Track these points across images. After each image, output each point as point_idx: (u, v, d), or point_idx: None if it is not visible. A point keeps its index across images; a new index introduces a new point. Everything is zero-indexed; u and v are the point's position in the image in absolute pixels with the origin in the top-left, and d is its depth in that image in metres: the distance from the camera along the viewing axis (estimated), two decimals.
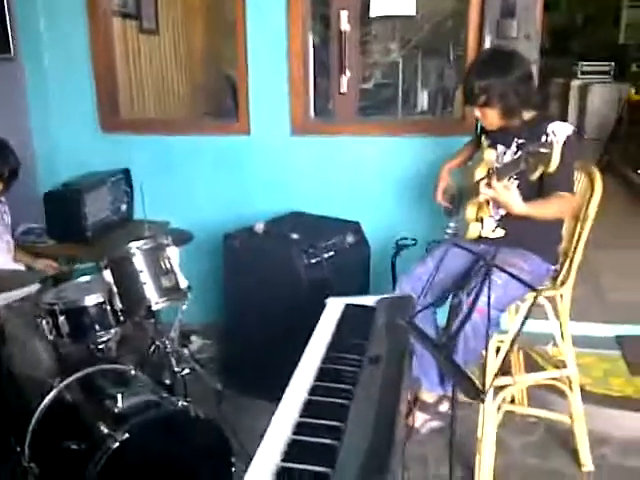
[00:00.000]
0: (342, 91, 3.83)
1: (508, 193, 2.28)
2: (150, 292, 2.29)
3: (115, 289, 2.28)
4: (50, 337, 2.28)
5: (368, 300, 2.09)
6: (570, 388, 2.62)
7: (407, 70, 6.31)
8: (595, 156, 6.58)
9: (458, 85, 4.55)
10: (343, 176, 3.59)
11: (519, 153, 2.33)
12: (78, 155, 3.72)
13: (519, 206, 2.30)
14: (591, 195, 2.51)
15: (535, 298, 1.77)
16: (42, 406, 2.09)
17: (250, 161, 3.65)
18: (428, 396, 2.74)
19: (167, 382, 2.48)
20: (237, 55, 3.52)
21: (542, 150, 2.05)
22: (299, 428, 1.43)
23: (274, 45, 3.46)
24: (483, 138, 2.72)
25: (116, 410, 2.06)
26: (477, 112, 2.52)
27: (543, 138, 2.16)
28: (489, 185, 2.31)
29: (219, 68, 5.17)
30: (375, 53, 6.47)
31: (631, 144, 6.47)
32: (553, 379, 2.68)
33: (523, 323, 1.66)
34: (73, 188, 3.25)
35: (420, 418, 2.76)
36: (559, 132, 2.31)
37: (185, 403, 2.13)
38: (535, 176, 2.15)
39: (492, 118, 2.51)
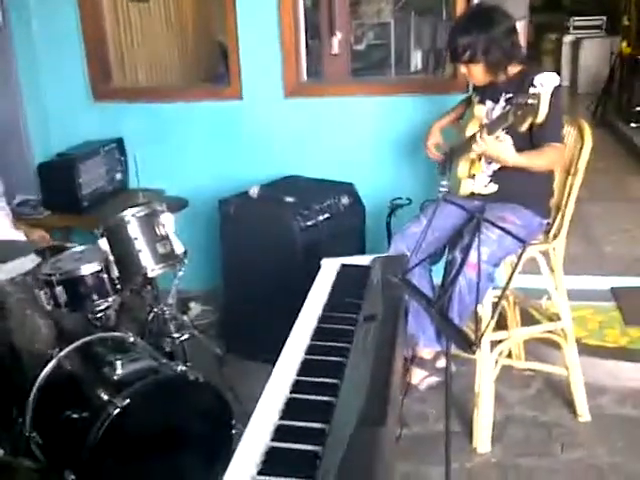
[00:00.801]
0: (334, 52, 3.81)
1: (500, 144, 2.31)
2: (146, 259, 2.30)
3: (111, 257, 2.28)
4: (48, 308, 2.29)
5: (363, 260, 2.10)
6: (566, 340, 2.65)
7: (399, 30, 6.26)
8: (589, 110, 6.55)
9: None
10: (337, 138, 3.58)
11: (507, 107, 2.33)
12: (70, 124, 3.70)
13: (512, 156, 2.32)
14: (581, 148, 2.51)
15: (523, 250, 1.78)
16: (42, 376, 2.10)
17: (243, 126, 3.64)
18: (426, 352, 2.78)
19: (167, 349, 2.51)
20: (227, 19, 3.48)
21: (529, 101, 2.06)
22: (296, 386, 1.45)
23: (264, 7, 3.42)
24: (473, 95, 2.73)
25: (115, 377, 2.07)
26: (463, 69, 2.54)
27: (531, 90, 2.16)
28: (480, 139, 2.32)
29: (210, 34, 5.11)
30: (366, 14, 6.40)
31: (624, 97, 6.43)
32: (549, 332, 2.71)
33: (513, 272, 1.67)
34: (67, 158, 3.26)
35: (418, 375, 2.80)
36: (546, 83, 2.31)
37: (184, 368, 2.15)
38: (524, 127, 2.15)
39: (478, 74, 2.52)
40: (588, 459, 2.49)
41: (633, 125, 5.87)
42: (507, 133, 2.39)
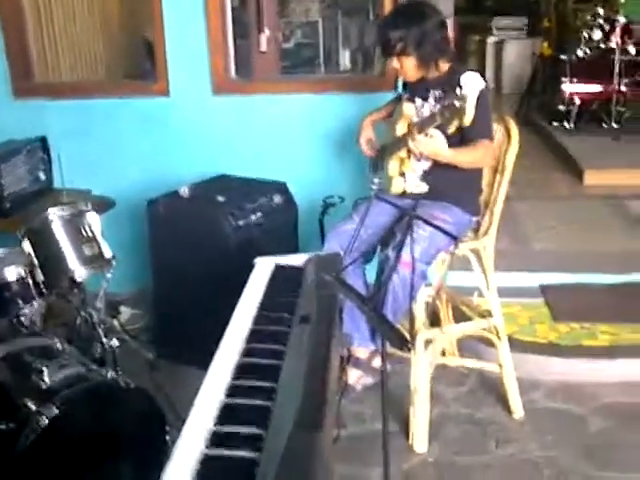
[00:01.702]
0: (262, 50, 3.78)
1: (433, 140, 2.32)
2: (72, 261, 2.22)
3: (35, 260, 2.20)
4: None
5: (297, 259, 2.08)
6: (498, 337, 2.68)
7: (327, 29, 6.28)
8: (513, 110, 6.70)
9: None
10: (267, 136, 3.54)
11: (437, 106, 2.35)
12: None
13: (446, 152, 2.34)
14: (508, 146, 2.55)
15: (455, 246, 1.80)
16: None
17: (171, 123, 3.57)
18: (361, 352, 2.77)
19: (96, 354, 2.43)
20: (152, 14, 3.40)
21: (456, 103, 2.08)
22: (231, 391, 1.41)
23: (190, 2, 3.36)
24: (402, 93, 2.74)
25: (43, 385, 1.99)
26: (395, 63, 2.54)
27: (457, 91, 2.17)
28: (412, 139, 2.33)
29: (136, 29, 4.99)
30: (295, 12, 6.40)
31: (546, 97, 6.61)
32: (481, 329, 2.74)
33: (440, 264, 1.68)
34: None
35: (354, 375, 2.78)
36: (471, 84, 2.30)
37: (114, 374, 2.09)
38: (452, 129, 2.17)
39: (410, 68, 2.53)
40: (522, 454, 2.52)
41: (555, 124, 6.03)
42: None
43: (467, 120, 2.11)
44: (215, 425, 1.30)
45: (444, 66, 2.55)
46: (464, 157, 2.44)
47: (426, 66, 2.52)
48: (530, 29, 8.75)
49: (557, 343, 3.10)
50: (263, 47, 3.73)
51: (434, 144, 2.34)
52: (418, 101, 2.61)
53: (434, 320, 2.90)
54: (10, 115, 3.57)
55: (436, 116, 2.22)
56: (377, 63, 3.82)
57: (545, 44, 6.92)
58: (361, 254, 2.44)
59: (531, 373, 2.92)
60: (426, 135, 2.33)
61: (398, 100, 2.84)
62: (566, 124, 5.90)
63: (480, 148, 2.45)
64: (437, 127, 2.28)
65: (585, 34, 6.09)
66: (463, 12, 8.07)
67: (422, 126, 2.35)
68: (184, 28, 3.40)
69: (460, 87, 2.27)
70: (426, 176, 2.60)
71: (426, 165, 2.57)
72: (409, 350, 1.53)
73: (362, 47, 6.04)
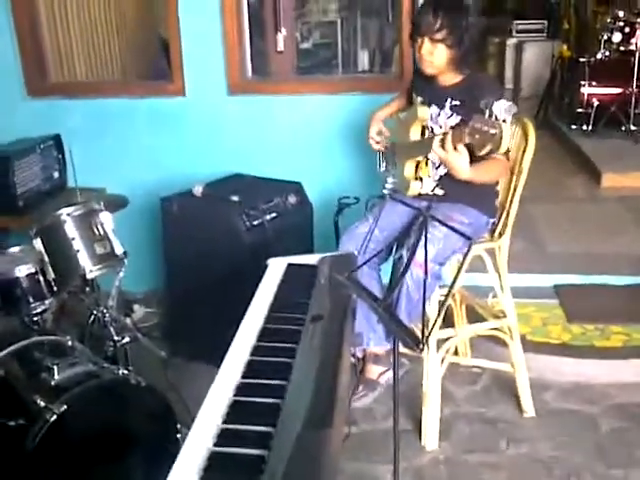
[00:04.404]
0: (279, 49, 3.77)
1: (459, 158, 2.24)
2: (84, 260, 2.22)
3: (47, 258, 2.20)
4: None
5: (310, 259, 2.07)
6: (511, 337, 2.68)
7: (346, 30, 6.26)
8: (531, 113, 6.65)
9: (396, 44, 4.54)
10: (283, 136, 3.54)
11: (454, 116, 2.33)
12: (5, 122, 3.55)
13: (465, 173, 2.27)
14: (525, 148, 2.53)
15: (469, 249, 1.77)
16: None
17: (187, 123, 3.57)
18: (379, 349, 2.77)
19: (108, 353, 2.43)
20: (168, 12, 3.41)
21: (491, 131, 2.00)
22: (241, 389, 1.40)
23: (207, 2, 3.36)
24: (415, 95, 2.70)
25: (53, 382, 1.99)
26: (428, 46, 2.45)
27: (486, 113, 2.07)
28: (443, 145, 2.25)
29: (151, 28, 5.00)
30: (313, 12, 6.40)
31: (565, 100, 6.56)
32: (494, 329, 2.73)
33: (459, 271, 1.66)
34: (1, 156, 3.12)
35: (376, 370, 2.81)
36: (506, 114, 2.07)
37: (125, 372, 2.08)
38: (482, 152, 2.10)
39: (440, 58, 2.46)
40: (533, 454, 2.52)
41: (574, 127, 5.99)
42: None
43: (502, 149, 2.05)
44: (224, 422, 1.30)
45: (464, 71, 2.52)
46: (482, 177, 2.38)
47: (455, 64, 2.47)
48: (550, 31, 8.71)
49: (570, 343, 3.09)
50: (280, 47, 3.72)
51: (457, 160, 2.25)
52: (434, 108, 2.57)
53: (447, 319, 2.89)
54: (25, 114, 3.59)
55: (463, 135, 2.14)
56: (395, 64, 3.79)
57: (564, 46, 6.88)
58: (375, 255, 2.42)
59: (543, 373, 2.93)
60: (455, 149, 2.24)
61: (405, 99, 2.82)
62: (584, 126, 5.85)
63: (496, 167, 2.41)
64: (465, 145, 2.21)
65: (605, 36, 6.04)
66: (484, 14, 8.06)
67: (453, 139, 2.25)
68: (200, 27, 3.40)
69: (489, 111, 2.06)
70: (442, 183, 2.57)
71: (443, 171, 2.54)
72: (422, 351, 1.52)
73: (380, 48, 6.02)
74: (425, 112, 2.59)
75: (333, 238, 3.15)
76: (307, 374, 1.40)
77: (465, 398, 2.86)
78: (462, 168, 2.26)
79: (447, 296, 1.68)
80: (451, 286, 1.77)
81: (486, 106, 2.00)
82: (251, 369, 1.48)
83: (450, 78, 2.53)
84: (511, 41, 8.83)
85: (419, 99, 2.67)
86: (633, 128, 5.62)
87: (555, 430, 2.64)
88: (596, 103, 5.78)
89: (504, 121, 1.94)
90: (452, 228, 1.86)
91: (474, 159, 2.27)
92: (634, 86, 5.64)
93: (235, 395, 1.38)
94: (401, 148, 2.68)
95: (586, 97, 5.85)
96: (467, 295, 2.94)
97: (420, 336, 1.52)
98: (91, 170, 3.02)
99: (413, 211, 2.33)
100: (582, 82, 5.88)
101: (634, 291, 3.44)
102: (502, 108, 2.02)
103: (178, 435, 2.10)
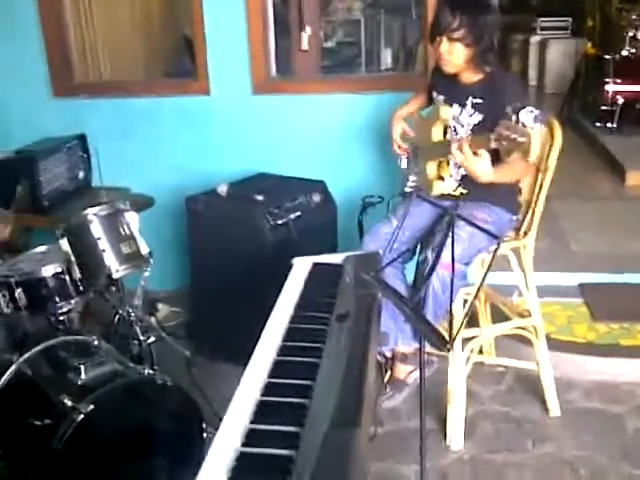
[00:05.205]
0: (303, 48, 3.76)
1: (480, 163, 2.22)
2: (110, 259, 2.23)
3: (73, 258, 2.21)
4: (7, 310, 2.20)
5: (335, 258, 2.07)
6: (536, 336, 2.67)
7: (369, 28, 6.25)
8: (555, 110, 6.61)
9: (420, 42, 4.52)
10: (307, 135, 3.53)
11: (475, 113, 2.32)
12: (31, 122, 3.59)
13: (486, 176, 2.25)
14: (551, 146, 2.51)
15: (497, 246, 1.75)
16: (1, 382, 2.02)
17: (211, 122, 3.58)
18: (407, 349, 2.76)
19: (134, 352, 2.44)
20: (193, 11, 3.42)
21: (518, 138, 1.98)
22: (268, 389, 1.41)
23: (231, 0, 3.36)
24: (435, 94, 2.68)
25: (79, 382, 2.01)
26: (446, 45, 2.43)
27: (513, 119, 2.04)
28: (461, 149, 2.23)
29: (176, 28, 5.03)
30: (337, 11, 6.40)
31: (589, 97, 6.50)
32: (519, 328, 2.72)
33: (487, 272, 1.65)
34: (26, 155, 3.14)
35: (403, 370, 2.82)
36: (535, 122, 2.05)
37: (151, 371, 2.10)
38: (510, 158, 2.09)
39: (458, 57, 2.44)
40: (558, 453, 2.51)
41: (598, 124, 5.93)
42: None
43: (532, 158, 2.02)
44: (252, 423, 1.30)
45: (485, 70, 2.49)
46: (504, 179, 2.37)
47: (474, 62, 2.45)
48: (574, 29, 8.64)
49: (595, 342, 3.06)
50: (304, 46, 3.71)
51: (477, 164, 2.23)
52: (455, 107, 2.55)
53: (472, 318, 2.88)
54: (50, 114, 3.62)
55: (489, 141, 2.12)
56: (418, 63, 3.78)
57: (589, 44, 6.83)
58: (400, 255, 2.41)
59: (568, 372, 2.91)
60: (474, 154, 2.21)
61: (425, 97, 2.81)
62: (609, 124, 5.80)
63: (520, 168, 2.38)
64: (489, 150, 2.19)
65: (630, 33, 5.98)
66: (507, 11, 8.00)
67: (477, 143, 2.24)
68: (225, 26, 3.41)
69: (517, 117, 2.04)
70: (464, 182, 2.56)
71: (464, 171, 2.52)
72: (448, 351, 1.51)
73: (404, 46, 6.00)
74: (447, 112, 2.57)
75: (357, 237, 3.15)
76: (334, 373, 1.40)
77: (490, 397, 2.85)
78: (483, 172, 2.24)
79: (475, 296, 1.67)
80: (479, 286, 1.76)
81: (513, 111, 1.99)
82: (278, 369, 1.48)
83: (471, 76, 2.52)
84: (535, 38, 8.79)
85: (440, 97, 2.65)
86: None
87: (580, 430, 2.62)
88: (621, 101, 5.73)
89: (532, 128, 1.92)
90: (479, 227, 1.84)
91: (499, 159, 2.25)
92: None
93: (262, 395, 1.38)
94: (423, 149, 2.67)
95: (611, 94, 5.80)
96: (492, 294, 2.92)
97: (447, 336, 1.52)
98: (116, 169, 3.05)
99: (436, 211, 2.32)
100: (607, 79, 5.83)
101: None
102: (531, 115, 2.00)
103: (204, 434, 2.10)
